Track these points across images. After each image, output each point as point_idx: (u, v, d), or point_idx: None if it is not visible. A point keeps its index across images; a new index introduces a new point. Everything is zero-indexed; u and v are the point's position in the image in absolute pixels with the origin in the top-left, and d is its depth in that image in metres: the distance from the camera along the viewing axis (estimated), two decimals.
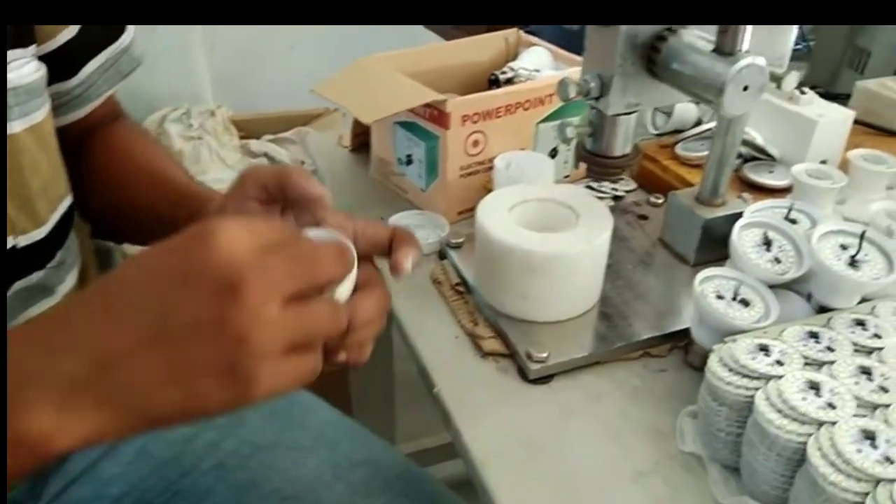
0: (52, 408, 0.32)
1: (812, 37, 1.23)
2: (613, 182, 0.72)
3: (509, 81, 0.86)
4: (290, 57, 2.02)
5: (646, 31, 0.52)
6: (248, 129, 1.73)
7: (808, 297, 0.58)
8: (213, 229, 0.33)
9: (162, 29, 1.83)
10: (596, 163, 0.60)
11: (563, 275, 0.60)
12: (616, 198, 0.84)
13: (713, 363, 0.51)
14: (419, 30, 1.89)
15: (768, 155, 0.79)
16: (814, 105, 0.79)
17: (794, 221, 0.64)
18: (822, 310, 0.57)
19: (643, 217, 0.78)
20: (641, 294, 0.66)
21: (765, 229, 0.60)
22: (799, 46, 1.52)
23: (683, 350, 0.61)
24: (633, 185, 0.87)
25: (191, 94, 1.87)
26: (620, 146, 0.59)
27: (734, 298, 0.56)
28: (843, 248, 0.56)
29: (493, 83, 0.87)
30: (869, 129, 0.92)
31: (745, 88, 0.48)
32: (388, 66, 0.80)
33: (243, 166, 1.54)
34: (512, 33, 0.90)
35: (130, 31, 0.64)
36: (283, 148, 1.61)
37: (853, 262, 0.54)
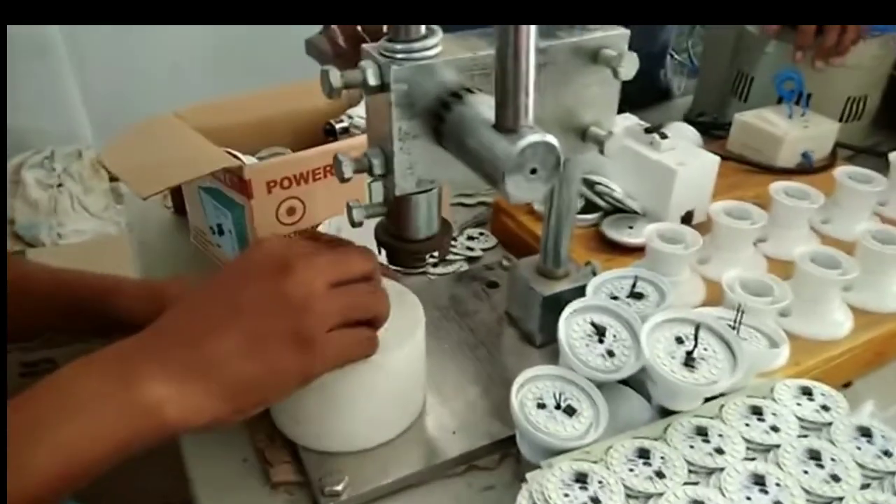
0: (164, 380, 0.39)
1: (698, 59, 1.18)
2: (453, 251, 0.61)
3: (346, 132, 0.76)
4: (174, 77, 1.88)
5: (428, 97, 0.43)
6: None
7: (650, 398, 0.50)
8: (260, 239, 0.46)
9: (25, 56, 1.67)
10: (394, 248, 0.50)
11: (359, 396, 0.49)
12: (470, 259, 0.75)
13: (522, 502, 0.42)
14: (307, 62, 1.77)
15: (629, 209, 0.71)
16: (677, 151, 0.72)
17: (640, 296, 0.56)
18: (664, 412, 0.49)
19: (493, 285, 0.68)
20: (479, 389, 0.57)
21: (595, 315, 0.52)
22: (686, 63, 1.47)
23: (515, 459, 0.52)
24: (492, 242, 0.78)
25: (64, 128, 1.72)
26: (424, 227, 0.49)
27: (558, 406, 0.47)
28: (680, 341, 0.47)
29: (329, 133, 0.77)
30: (744, 165, 0.86)
31: (534, 172, 0.39)
32: (203, 121, 0.69)
33: (110, 213, 1.40)
34: None
35: None
36: None
37: (689, 360, 0.46)
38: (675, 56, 1.28)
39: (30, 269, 0.58)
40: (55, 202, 1.37)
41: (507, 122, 0.39)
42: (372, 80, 0.42)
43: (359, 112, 0.76)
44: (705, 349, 0.47)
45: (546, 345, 0.61)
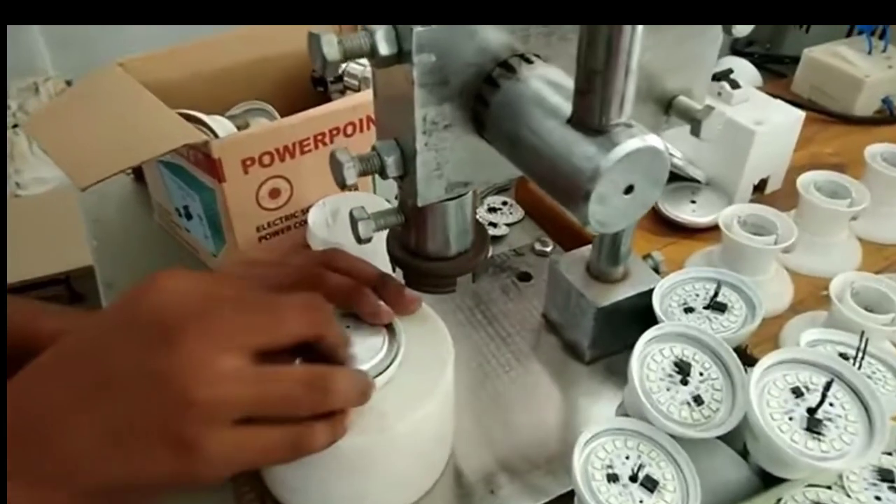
0: (23, 486, 0.28)
1: None
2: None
3: (338, 80, 0.62)
4: None
5: (465, 70, 0.29)
6: None
7: (746, 451, 0.39)
8: (156, 275, 0.32)
9: None
10: (414, 269, 0.37)
11: (368, 465, 0.37)
12: (493, 238, 0.63)
13: None
14: None
15: (691, 178, 0.58)
16: (751, 103, 0.58)
17: (722, 308, 0.44)
18: (766, 476, 0.38)
19: (525, 277, 0.56)
20: (518, 426, 0.45)
21: (678, 347, 0.40)
22: None
23: None
24: (519, 214, 0.65)
25: (17, 60, 1.54)
26: (454, 241, 0.37)
27: (634, 478, 0.36)
28: (797, 394, 0.36)
29: (318, 83, 0.62)
30: (819, 114, 0.72)
31: (629, 190, 0.26)
32: (157, 73, 0.55)
33: None
34: None
35: None
36: None
37: (813, 423, 0.35)
38: None
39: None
40: (11, 146, 1.21)
41: (591, 118, 0.26)
42: (384, 49, 0.28)
43: None
44: (831, 404, 0.35)
45: (596, 360, 0.49)
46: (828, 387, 0.35)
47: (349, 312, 0.39)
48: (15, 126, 1.26)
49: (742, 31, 0.33)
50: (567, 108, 0.27)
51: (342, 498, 0.39)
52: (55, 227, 1.04)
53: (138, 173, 0.67)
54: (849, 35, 0.79)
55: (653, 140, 0.26)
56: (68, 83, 1.49)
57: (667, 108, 0.37)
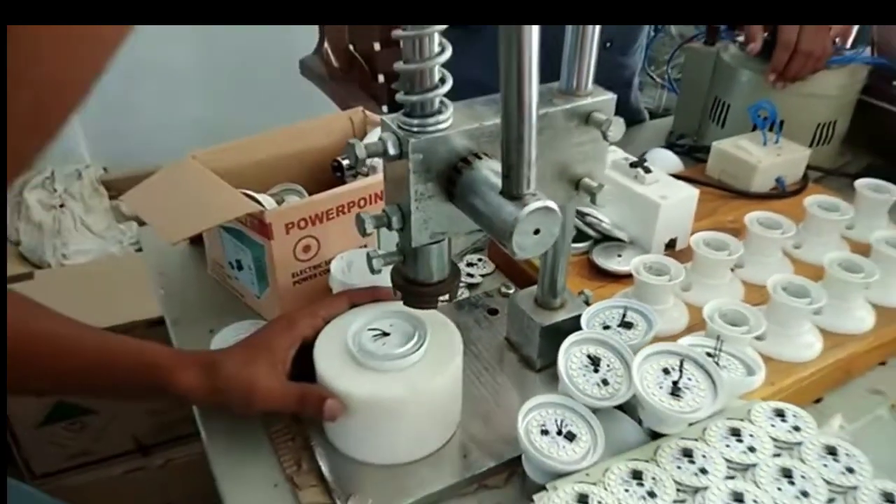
0: None
1: (675, 81, 1.24)
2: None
3: (351, 168, 0.81)
4: (169, 102, 1.92)
5: (441, 163, 0.48)
6: (122, 187, 1.62)
7: (641, 420, 0.56)
8: None
9: None
10: (410, 291, 0.55)
11: (389, 420, 0.55)
12: (470, 286, 0.81)
13: None
14: (301, 81, 1.81)
15: (617, 238, 0.77)
16: (660, 183, 0.78)
17: (630, 325, 0.62)
18: (654, 434, 0.54)
19: (493, 311, 0.74)
20: (485, 412, 0.62)
21: (590, 347, 0.57)
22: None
23: (521, 477, 0.58)
24: (490, 268, 0.83)
25: (61, 150, 1.76)
26: (436, 271, 0.55)
27: (560, 432, 0.53)
28: (667, 372, 0.53)
29: (336, 169, 0.82)
30: (725, 191, 0.92)
31: (537, 232, 0.45)
32: (219, 163, 0.74)
33: (112, 232, 1.44)
34: (357, 113, 0.85)
35: None
36: None
37: (675, 390, 0.52)
38: (653, 77, 1.34)
39: (76, 334, 0.54)
40: (58, 223, 1.40)
41: (512, 191, 0.45)
42: (392, 151, 0.47)
43: None
44: (689, 379, 0.53)
45: (545, 369, 0.67)
46: (681, 364, 0.52)
47: (392, 313, 0.60)
48: (62, 206, 1.46)
49: (614, 137, 0.53)
50: (500, 185, 0.46)
51: (377, 446, 0.56)
52: (104, 288, 1.21)
53: (193, 238, 0.85)
54: (753, 130, 1.00)
55: (549, 203, 0.44)
56: (105, 170, 1.70)
57: (576, 185, 0.57)
